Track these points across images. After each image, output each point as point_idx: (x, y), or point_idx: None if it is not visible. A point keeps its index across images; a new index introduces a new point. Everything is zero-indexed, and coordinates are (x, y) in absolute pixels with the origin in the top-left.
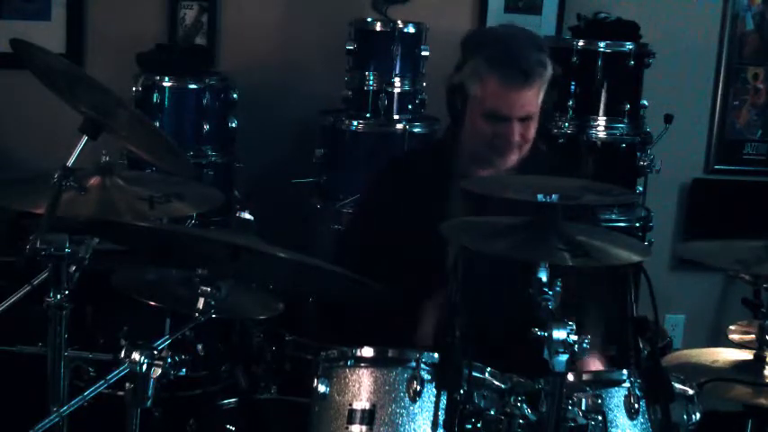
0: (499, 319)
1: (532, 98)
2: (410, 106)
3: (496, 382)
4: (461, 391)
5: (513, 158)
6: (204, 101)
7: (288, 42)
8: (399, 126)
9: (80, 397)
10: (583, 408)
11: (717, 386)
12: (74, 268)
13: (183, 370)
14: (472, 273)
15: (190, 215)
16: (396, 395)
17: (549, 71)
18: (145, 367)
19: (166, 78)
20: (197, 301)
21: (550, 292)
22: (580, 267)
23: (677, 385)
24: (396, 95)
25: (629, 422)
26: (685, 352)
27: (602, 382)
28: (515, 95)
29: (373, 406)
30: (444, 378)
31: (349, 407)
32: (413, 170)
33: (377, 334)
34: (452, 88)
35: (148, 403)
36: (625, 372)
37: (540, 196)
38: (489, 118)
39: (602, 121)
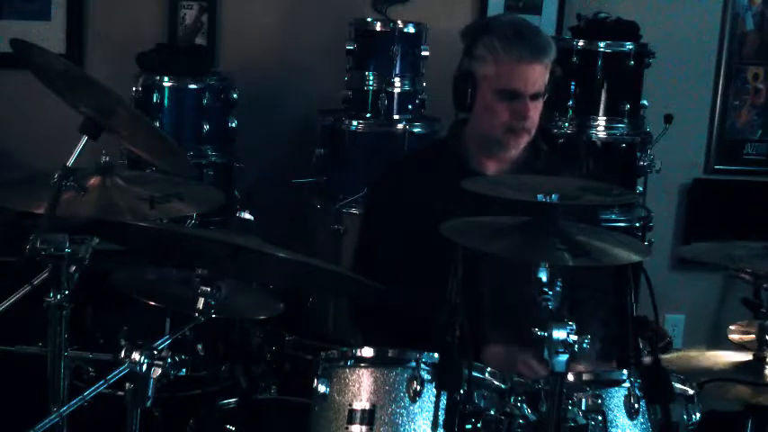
0: (499, 319)
1: (542, 75)
2: (410, 106)
3: (496, 382)
4: (461, 391)
5: (524, 143)
6: (204, 101)
7: (288, 42)
8: (399, 126)
9: (80, 397)
10: (583, 408)
11: (717, 386)
12: (74, 268)
13: (183, 370)
14: (472, 273)
15: (190, 215)
16: (396, 395)
17: (554, 53)
18: (145, 367)
19: (166, 78)
20: (197, 301)
21: (550, 292)
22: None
23: (677, 385)
24: (396, 95)
25: (629, 422)
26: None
27: (602, 382)
28: (528, 70)
29: (373, 406)
30: (444, 378)
31: (349, 407)
32: (416, 170)
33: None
34: (461, 75)
35: (148, 403)
36: (625, 372)
37: (539, 196)
38: (503, 96)
39: (602, 121)
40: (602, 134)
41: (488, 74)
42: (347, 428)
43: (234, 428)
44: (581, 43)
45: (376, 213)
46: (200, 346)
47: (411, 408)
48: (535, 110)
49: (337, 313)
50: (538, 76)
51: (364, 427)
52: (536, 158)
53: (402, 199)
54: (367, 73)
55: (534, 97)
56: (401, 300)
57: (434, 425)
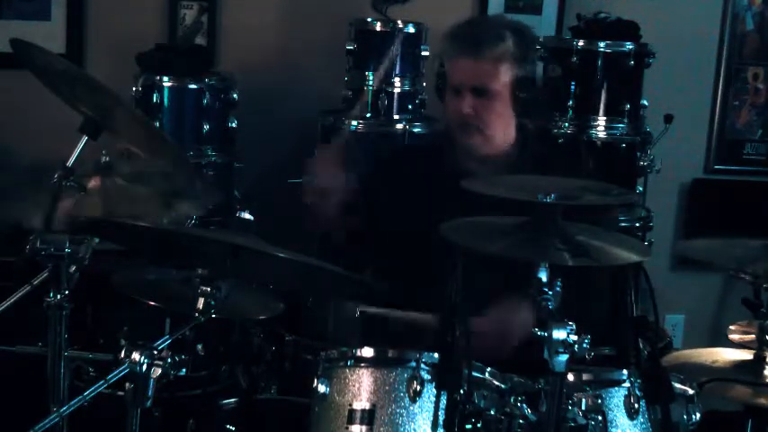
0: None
1: (488, 71)
2: (410, 106)
3: (496, 382)
4: (461, 391)
5: (478, 141)
6: (204, 101)
7: (288, 42)
8: (399, 126)
9: (80, 397)
10: (583, 408)
11: (717, 386)
12: (74, 268)
13: (183, 370)
14: (472, 273)
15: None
16: (396, 395)
17: (510, 47)
18: (145, 367)
19: (166, 78)
20: (197, 301)
21: (550, 292)
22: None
23: (677, 385)
24: (396, 95)
25: (629, 422)
26: (685, 352)
27: (602, 382)
28: (466, 64)
29: (373, 406)
30: (444, 378)
31: (349, 407)
32: (406, 167)
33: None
34: (436, 76)
35: (148, 403)
36: (625, 372)
37: (539, 196)
38: (452, 91)
39: (602, 121)
40: (602, 134)
41: (445, 71)
42: (347, 428)
43: (234, 428)
44: (581, 43)
45: (369, 209)
46: (200, 346)
47: (411, 408)
48: (481, 105)
49: (337, 313)
50: (478, 71)
51: (364, 427)
52: (521, 159)
53: (392, 196)
54: (367, 73)
55: (477, 92)
56: (400, 299)
57: (434, 425)
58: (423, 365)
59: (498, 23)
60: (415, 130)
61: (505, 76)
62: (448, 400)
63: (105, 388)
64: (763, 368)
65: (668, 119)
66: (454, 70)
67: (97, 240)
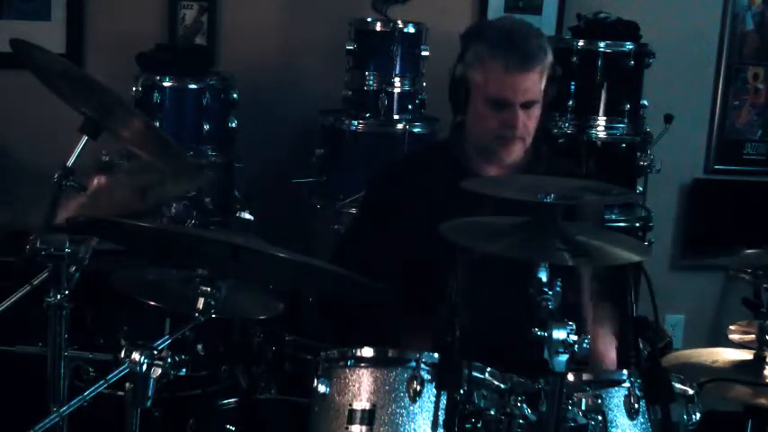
0: (499, 319)
1: (534, 83)
2: (410, 106)
3: (496, 382)
4: (461, 391)
5: (518, 150)
6: (204, 101)
7: (288, 42)
8: (399, 126)
9: (80, 397)
10: (583, 408)
11: (717, 386)
12: (74, 268)
13: (183, 370)
14: (472, 273)
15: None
16: (396, 395)
17: (550, 58)
18: (145, 367)
19: (166, 78)
20: (197, 301)
21: (550, 292)
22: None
23: (677, 385)
24: (396, 95)
25: (629, 422)
26: (685, 352)
27: (602, 382)
28: (517, 80)
29: (373, 406)
30: (444, 378)
31: (349, 407)
32: (415, 171)
33: (377, 334)
34: (454, 80)
35: (148, 403)
36: (625, 372)
37: (540, 196)
38: (492, 105)
39: (602, 121)
40: (602, 134)
41: (478, 81)
42: (347, 428)
43: (234, 428)
44: (581, 43)
45: (372, 212)
46: (200, 346)
47: (411, 408)
48: (528, 118)
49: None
50: (529, 84)
51: (364, 427)
52: (537, 161)
53: (400, 199)
54: (367, 73)
55: (526, 105)
56: (400, 299)
57: (434, 425)
58: (423, 365)
59: (532, 31)
60: (415, 130)
61: (543, 82)
62: (448, 400)
63: (105, 388)
64: (763, 368)
65: (668, 119)
66: (500, 85)
67: (97, 240)
